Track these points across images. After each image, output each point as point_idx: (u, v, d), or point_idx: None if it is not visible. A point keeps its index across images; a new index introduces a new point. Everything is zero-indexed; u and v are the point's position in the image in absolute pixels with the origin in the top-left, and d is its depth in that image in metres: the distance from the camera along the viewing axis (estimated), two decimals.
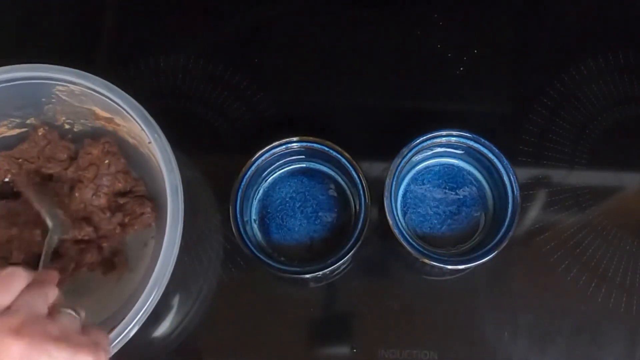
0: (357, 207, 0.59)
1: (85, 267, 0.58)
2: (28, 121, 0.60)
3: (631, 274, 0.62)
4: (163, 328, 0.61)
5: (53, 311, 0.40)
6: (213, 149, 0.66)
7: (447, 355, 0.60)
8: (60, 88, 0.55)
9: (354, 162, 0.58)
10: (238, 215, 0.57)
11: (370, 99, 0.67)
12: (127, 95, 0.53)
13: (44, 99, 0.57)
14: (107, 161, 0.59)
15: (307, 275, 0.57)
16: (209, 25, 0.70)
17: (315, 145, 0.59)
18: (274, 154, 0.59)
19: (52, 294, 0.40)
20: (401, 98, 0.67)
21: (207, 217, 0.63)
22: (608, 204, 0.64)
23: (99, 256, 0.59)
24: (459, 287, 0.62)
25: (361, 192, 0.58)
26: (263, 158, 0.59)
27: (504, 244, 0.56)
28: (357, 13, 0.70)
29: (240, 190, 0.58)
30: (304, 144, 0.59)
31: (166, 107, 0.66)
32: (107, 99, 0.54)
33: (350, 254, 0.56)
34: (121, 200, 0.60)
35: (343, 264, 0.57)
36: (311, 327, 0.61)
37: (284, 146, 0.59)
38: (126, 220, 0.59)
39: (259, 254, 0.57)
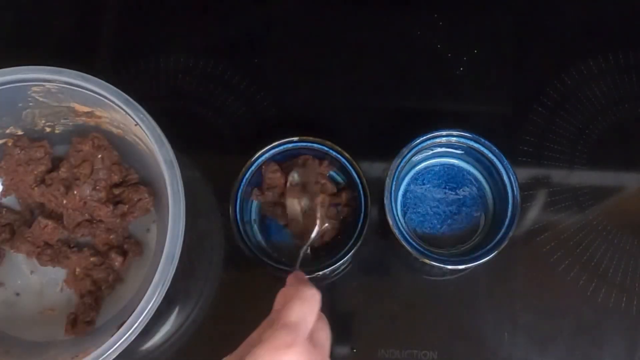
0: (357, 207, 0.59)
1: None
2: (8, 130, 0.59)
3: (631, 274, 0.62)
4: (165, 329, 0.61)
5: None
6: (213, 149, 0.66)
7: (447, 355, 0.60)
8: (36, 89, 0.54)
9: (354, 162, 0.58)
10: (238, 216, 0.57)
11: (370, 99, 0.67)
12: (105, 82, 0.53)
13: (20, 104, 0.56)
14: (100, 155, 0.59)
15: (307, 276, 0.56)
16: (209, 25, 0.70)
17: (315, 145, 0.59)
18: (274, 154, 0.59)
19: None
20: (401, 98, 0.67)
21: (208, 217, 0.63)
22: (608, 204, 0.64)
23: (121, 256, 0.59)
24: (459, 287, 0.62)
25: (361, 192, 0.58)
26: (263, 158, 0.59)
27: (504, 244, 0.56)
28: (357, 13, 0.70)
29: (240, 191, 0.58)
30: (304, 144, 0.59)
31: (166, 107, 0.66)
32: (85, 91, 0.53)
33: (350, 254, 0.56)
34: (117, 191, 0.60)
35: (343, 264, 0.57)
36: None
37: (283, 147, 0.59)
38: (125, 209, 0.59)
39: (259, 255, 0.56)
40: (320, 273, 0.56)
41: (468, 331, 0.61)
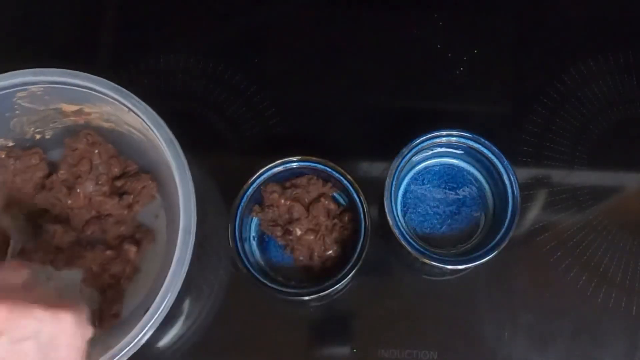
0: (358, 229, 0.57)
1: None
2: None
3: (631, 274, 0.62)
4: (173, 332, 0.61)
5: (27, 286, 0.45)
6: (213, 148, 0.66)
7: (447, 355, 0.60)
8: (20, 94, 0.53)
9: (356, 184, 0.57)
10: (237, 234, 0.57)
11: (370, 98, 0.67)
12: (91, 75, 0.52)
13: (7, 114, 0.55)
14: (96, 151, 0.59)
15: (307, 297, 0.56)
16: (209, 25, 0.70)
17: (318, 165, 0.58)
18: (275, 173, 0.58)
19: (24, 273, 0.46)
20: (401, 98, 0.67)
21: (214, 216, 0.62)
22: (608, 204, 0.64)
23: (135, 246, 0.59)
24: (459, 287, 0.62)
25: (361, 215, 0.57)
26: (264, 177, 0.58)
27: (504, 244, 0.56)
28: (357, 13, 0.70)
29: (240, 209, 0.57)
30: (306, 163, 0.58)
31: (166, 107, 0.65)
32: (71, 87, 0.52)
33: (350, 275, 0.55)
34: (119, 183, 0.60)
35: (343, 284, 0.56)
36: (311, 327, 0.61)
37: (283, 166, 0.58)
38: (131, 199, 0.59)
39: (255, 274, 0.56)
40: (316, 296, 0.55)
41: (468, 331, 0.61)
